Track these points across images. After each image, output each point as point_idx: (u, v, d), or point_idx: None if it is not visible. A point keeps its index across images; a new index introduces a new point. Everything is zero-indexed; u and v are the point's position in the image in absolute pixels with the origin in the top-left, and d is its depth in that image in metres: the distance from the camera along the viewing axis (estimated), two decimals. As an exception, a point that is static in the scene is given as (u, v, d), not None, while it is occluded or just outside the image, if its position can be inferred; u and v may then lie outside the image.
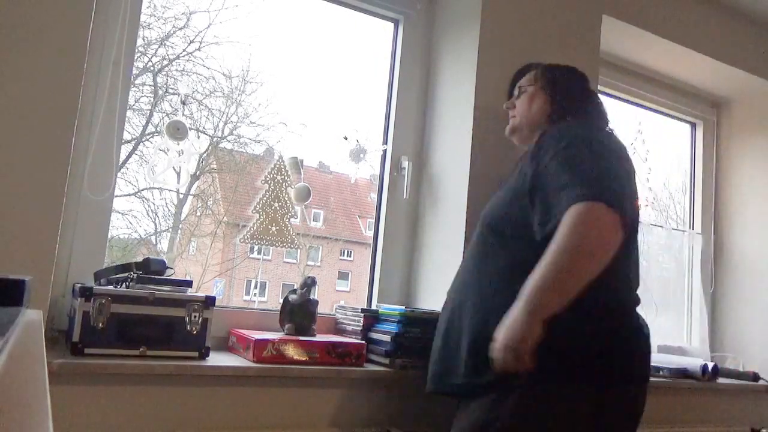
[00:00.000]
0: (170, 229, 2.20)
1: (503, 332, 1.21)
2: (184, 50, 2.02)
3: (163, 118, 1.91)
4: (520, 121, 1.66)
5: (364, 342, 1.70)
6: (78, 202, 1.61)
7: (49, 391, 0.45)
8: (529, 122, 1.63)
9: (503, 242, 1.39)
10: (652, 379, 2.26)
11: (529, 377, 1.22)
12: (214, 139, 2.15)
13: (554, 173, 1.28)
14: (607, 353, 1.30)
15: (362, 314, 1.79)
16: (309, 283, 1.71)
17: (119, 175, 1.71)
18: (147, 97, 2.01)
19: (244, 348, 1.59)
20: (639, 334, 1.39)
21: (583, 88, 1.65)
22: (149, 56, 2.01)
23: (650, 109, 2.90)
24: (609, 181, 1.25)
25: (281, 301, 1.78)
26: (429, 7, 2.24)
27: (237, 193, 2.33)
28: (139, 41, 1.81)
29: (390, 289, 2.08)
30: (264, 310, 1.90)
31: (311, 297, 1.73)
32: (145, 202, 2.04)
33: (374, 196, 2.19)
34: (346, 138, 2.03)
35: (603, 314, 1.31)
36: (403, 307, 1.76)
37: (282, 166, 1.90)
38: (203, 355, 1.48)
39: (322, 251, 2.70)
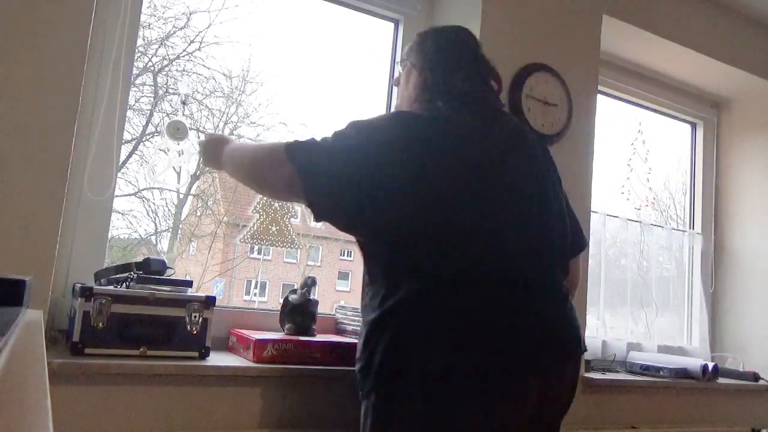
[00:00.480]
0: (170, 229, 2.20)
1: (215, 140, 1.46)
2: (184, 50, 2.02)
3: (163, 118, 1.91)
4: (399, 103, 1.48)
5: (364, 342, 1.70)
6: (78, 202, 1.61)
7: (49, 391, 0.45)
8: (406, 103, 1.43)
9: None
10: (652, 379, 2.30)
11: (377, 380, 1.19)
12: (214, 139, 2.15)
13: None
14: (434, 349, 1.15)
15: (362, 314, 1.79)
16: (309, 283, 1.71)
17: (119, 175, 1.71)
18: (147, 97, 2.01)
19: (244, 348, 1.59)
20: (497, 322, 1.17)
21: (456, 58, 1.39)
22: (149, 56, 2.01)
23: (650, 109, 2.90)
24: (318, 152, 1.19)
25: (281, 301, 1.78)
26: (429, 7, 2.24)
27: (237, 193, 2.33)
28: (140, 41, 1.81)
29: (390, 289, 2.08)
30: (264, 310, 1.90)
31: (311, 297, 1.73)
32: (145, 202, 2.04)
33: (374, 196, 2.18)
34: (346, 138, 2.02)
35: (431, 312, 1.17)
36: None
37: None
38: (203, 355, 1.48)
39: (322, 251, 2.70)
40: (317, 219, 1.24)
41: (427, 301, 1.17)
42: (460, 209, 1.20)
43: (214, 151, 1.44)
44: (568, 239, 1.38)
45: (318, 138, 1.23)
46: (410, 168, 1.18)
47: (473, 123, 1.29)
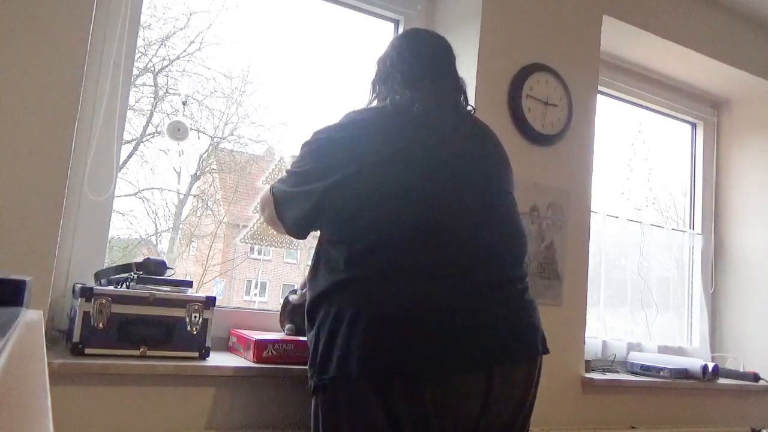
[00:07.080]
0: (170, 230, 2.20)
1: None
2: (184, 50, 2.02)
3: (163, 118, 1.91)
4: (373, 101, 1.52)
5: (364, 342, 1.70)
6: (78, 203, 1.61)
7: (49, 391, 0.45)
8: (376, 102, 1.49)
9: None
10: (652, 379, 2.29)
11: (316, 379, 1.21)
12: (215, 140, 2.15)
13: None
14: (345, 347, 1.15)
15: (362, 314, 1.79)
16: (309, 283, 1.71)
17: (119, 175, 1.71)
18: (147, 97, 2.01)
19: (245, 348, 1.59)
20: (408, 325, 1.13)
21: (411, 68, 1.42)
22: (149, 57, 2.01)
23: (650, 109, 2.90)
24: (291, 178, 1.35)
25: (281, 301, 1.78)
26: (429, 7, 2.24)
27: (237, 194, 2.33)
28: (140, 41, 1.81)
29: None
30: (264, 310, 1.90)
31: (311, 297, 1.72)
32: (146, 203, 2.04)
33: (374, 196, 2.18)
34: (346, 138, 2.02)
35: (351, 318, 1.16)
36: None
37: (283, 167, 1.90)
38: (203, 355, 1.48)
39: (322, 251, 2.69)
40: (291, 234, 1.39)
41: (353, 292, 1.18)
42: (403, 203, 1.21)
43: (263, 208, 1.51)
44: (524, 237, 1.34)
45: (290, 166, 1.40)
46: (353, 165, 1.24)
47: (416, 119, 1.32)
